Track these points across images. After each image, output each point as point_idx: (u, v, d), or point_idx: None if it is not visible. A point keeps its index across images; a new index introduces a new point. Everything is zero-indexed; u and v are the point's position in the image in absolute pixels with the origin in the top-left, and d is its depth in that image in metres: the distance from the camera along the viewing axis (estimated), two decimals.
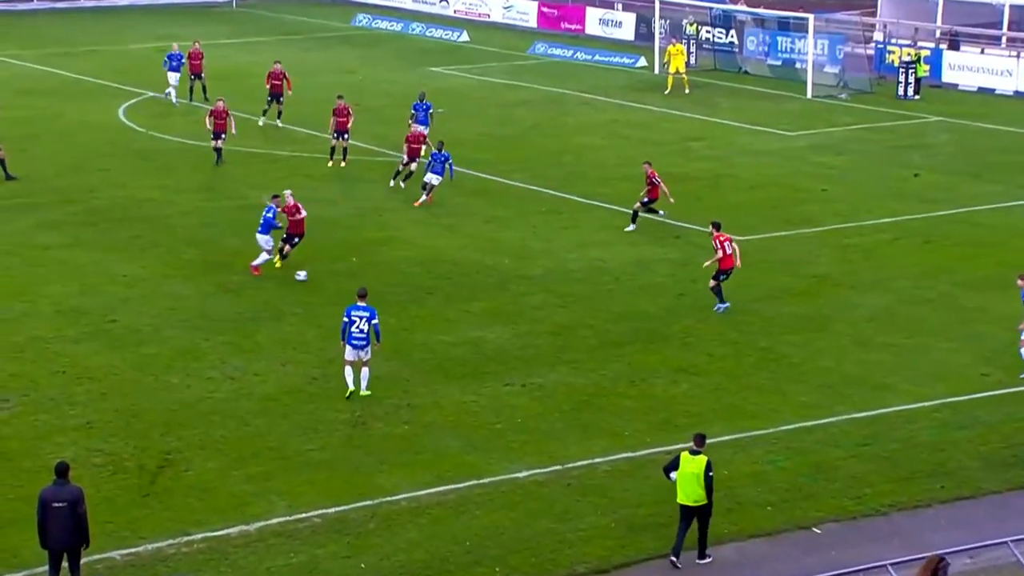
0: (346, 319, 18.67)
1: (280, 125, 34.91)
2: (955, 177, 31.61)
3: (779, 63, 44.77)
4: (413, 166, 28.91)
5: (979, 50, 43.86)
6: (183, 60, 37.61)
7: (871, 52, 44.30)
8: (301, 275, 23.22)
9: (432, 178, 28.19)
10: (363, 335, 18.56)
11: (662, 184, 26.38)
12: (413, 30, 52.67)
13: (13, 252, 25.16)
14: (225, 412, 18.38)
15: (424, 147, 29.33)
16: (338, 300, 21.04)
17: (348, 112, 31.29)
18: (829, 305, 22.83)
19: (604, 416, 18.44)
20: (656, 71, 44.08)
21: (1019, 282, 20.24)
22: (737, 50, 45.77)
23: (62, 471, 13.77)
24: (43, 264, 24.52)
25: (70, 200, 28.58)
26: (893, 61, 42.97)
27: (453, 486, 16.35)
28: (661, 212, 26.82)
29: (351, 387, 18.80)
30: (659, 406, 18.79)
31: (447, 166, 28.19)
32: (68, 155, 32.43)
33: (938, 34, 45.34)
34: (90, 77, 42.13)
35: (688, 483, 14.70)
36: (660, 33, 45.39)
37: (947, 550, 14.15)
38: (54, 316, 21.84)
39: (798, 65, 43.47)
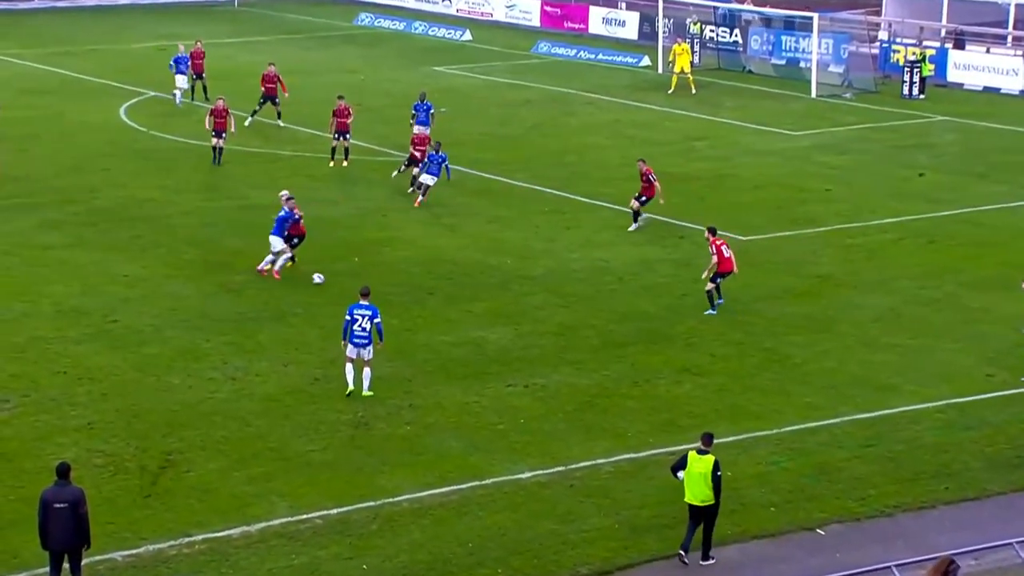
0: (348, 317, 18.65)
1: (282, 125, 34.87)
2: (960, 177, 31.53)
3: (783, 62, 44.69)
4: (415, 170, 28.74)
5: (984, 49, 43.76)
6: (189, 62, 37.51)
7: (876, 51, 44.21)
8: (318, 278, 23.09)
9: (427, 179, 28.10)
10: (365, 333, 18.53)
11: (657, 183, 26.24)
12: (415, 29, 52.62)
13: (14, 252, 25.13)
14: (226, 413, 18.33)
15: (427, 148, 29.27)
16: (340, 300, 20.97)
17: (349, 112, 31.23)
18: (833, 305, 22.77)
19: (607, 417, 18.39)
20: (660, 70, 44.02)
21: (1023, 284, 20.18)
22: (741, 49, 45.68)
23: (63, 472, 13.75)
24: (44, 264, 24.48)
25: (71, 200, 28.54)
26: (898, 60, 42.87)
27: (455, 487, 16.32)
28: (635, 226, 26.43)
29: (350, 386, 18.76)
30: (662, 407, 18.74)
31: (444, 167, 28.11)
32: (69, 155, 32.39)
33: (943, 33, 45.25)
34: (91, 76, 42.11)
35: (695, 483, 14.67)
36: (663, 32, 45.31)
37: (952, 551, 14.12)
38: (55, 316, 21.80)
39: (802, 64, 43.38)
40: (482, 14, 55.02)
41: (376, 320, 18.57)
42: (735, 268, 22.25)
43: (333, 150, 31.43)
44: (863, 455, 17.36)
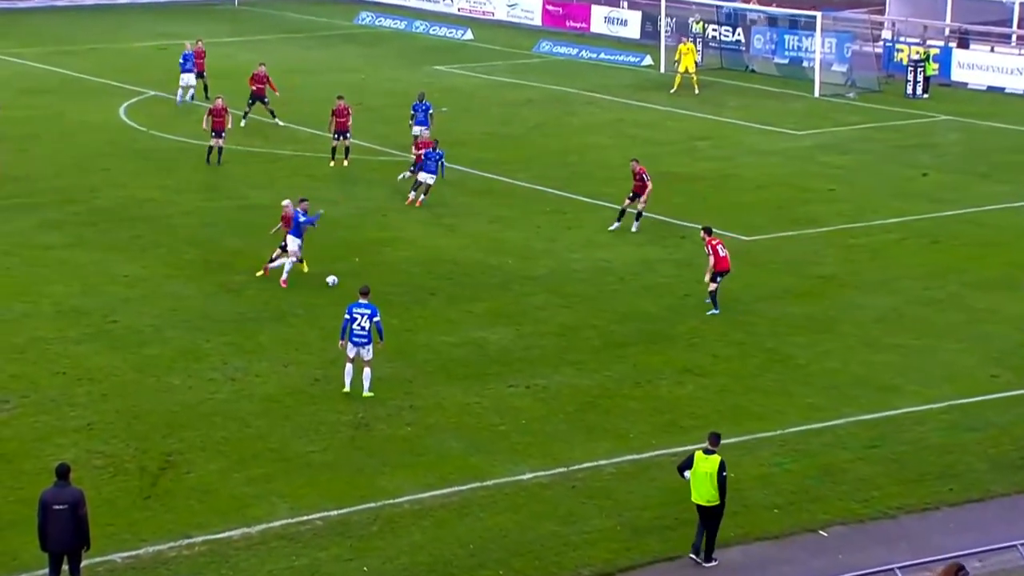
0: (347, 316, 18.62)
1: (280, 123, 34.74)
2: (964, 177, 31.45)
3: (786, 62, 44.60)
4: (421, 175, 28.56)
5: (989, 48, 43.66)
6: (194, 60, 37.29)
7: (879, 51, 44.11)
8: (331, 280, 22.96)
9: (427, 178, 28.00)
10: (364, 332, 18.48)
11: (649, 183, 26.06)
12: (416, 28, 52.55)
13: (13, 252, 25.06)
14: (226, 413, 18.28)
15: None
16: (340, 301, 20.87)
17: (348, 112, 31.14)
18: (835, 306, 22.69)
19: (609, 418, 18.33)
20: (662, 70, 43.93)
21: None
22: (744, 48, 45.60)
23: (63, 473, 13.70)
24: (44, 264, 24.42)
25: (71, 200, 28.48)
26: (902, 60, 42.76)
27: (456, 488, 16.26)
28: (616, 225, 26.26)
29: (347, 387, 18.72)
30: (664, 407, 18.68)
31: (440, 164, 28.02)
32: (69, 155, 32.32)
33: (947, 32, 45.14)
34: (91, 76, 42.04)
35: (701, 483, 14.64)
36: (666, 32, 45.22)
37: (956, 553, 14.12)
38: (55, 316, 21.74)
39: (805, 64, 43.30)
40: (483, 13, 54.94)
41: (376, 319, 18.52)
42: (730, 267, 22.16)
43: (333, 150, 31.35)
44: (866, 456, 17.30)
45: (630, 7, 51.24)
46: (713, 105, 38.97)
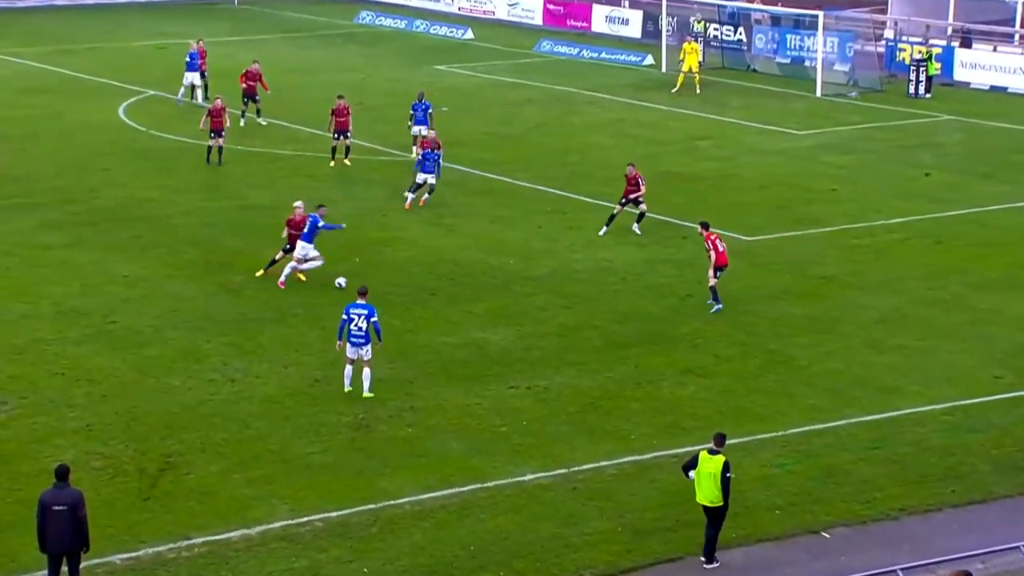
0: (345, 316, 18.60)
1: (263, 123, 34.45)
2: (966, 177, 31.38)
3: (788, 61, 44.53)
4: (420, 176, 28.46)
5: (991, 48, 43.54)
6: (199, 59, 37.03)
7: (882, 50, 44.03)
8: (340, 282, 22.86)
9: (428, 178, 27.90)
10: (362, 333, 18.44)
11: (643, 187, 25.90)
12: (417, 27, 52.48)
13: (13, 252, 25.01)
14: (226, 415, 18.23)
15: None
16: (341, 301, 20.78)
17: (348, 111, 31.06)
18: (838, 306, 22.63)
19: (610, 419, 18.27)
20: (663, 69, 43.86)
21: None
22: (745, 48, 45.51)
23: (62, 474, 13.66)
24: (44, 264, 24.37)
25: (71, 200, 28.43)
26: (904, 59, 42.67)
27: (457, 489, 16.22)
28: (604, 230, 26.15)
29: (347, 387, 18.69)
30: (666, 408, 18.62)
31: (437, 164, 27.93)
32: (69, 154, 32.27)
33: (950, 31, 45.04)
34: (90, 75, 41.98)
35: (705, 483, 14.63)
36: (667, 31, 45.15)
37: (959, 555, 14.11)
38: (54, 317, 21.68)
39: (807, 63, 43.23)
40: (484, 12, 54.88)
41: (373, 319, 18.47)
42: (728, 262, 22.15)
43: (333, 150, 31.28)
44: (869, 457, 17.24)
45: (631, 6, 51.15)
46: (715, 105, 38.90)
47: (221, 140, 31.04)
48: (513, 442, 17.54)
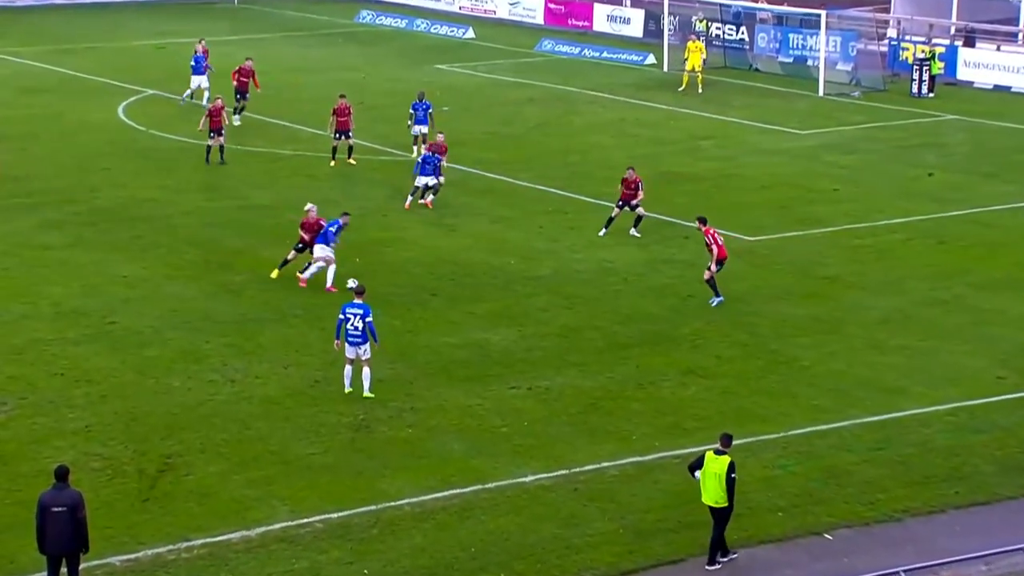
0: (341, 316, 18.57)
1: (237, 123, 34.09)
2: (970, 177, 31.29)
3: (790, 60, 44.44)
4: (441, 179, 28.28)
5: (995, 47, 43.45)
6: (205, 61, 36.77)
7: (884, 49, 43.92)
8: (352, 283, 22.74)
9: (430, 180, 27.79)
10: (358, 332, 18.41)
11: (642, 193, 25.76)
12: (417, 27, 52.42)
13: (13, 253, 24.94)
14: (226, 415, 18.17)
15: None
16: (341, 302, 20.70)
17: (349, 111, 30.97)
18: (840, 307, 22.55)
19: (611, 419, 18.21)
20: (665, 69, 43.79)
21: None
22: (748, 47, 45.43)
23: (62, 475, 13.61)
24: (43, 265, 24.30)
25: (71, 200, 28.37)
26: (907, 58, 42.58)
27: (458, 491, 16.16)
28: (604, 231, 26.04)
29: (348, 388, 18.65)
30: (667, 409, 18.56)
31: (436, 167, 27.79)
32: (69, 154, 32.22)
33: (953, 31, 44.94)
34: (90, 75, 41.92)
35: (710, 483, 14.61)
36: (669, 30, 45.06)
37: (962, 557, 14.05)
38: (54, 317, 21.62)
39: (810, 62, 43.15)
40: (485, 11, 54.81)
41: (368, 319, 18.40)
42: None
43: (334, 150, 31.20)
44: (872, 458, 17.18)
45: (633, 5, 51.07)
46: (717, 104, 38.82)
47: (221, 139, 30.99)
48: (514, 443, 17.48)
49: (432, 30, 51.80)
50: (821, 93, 40.42)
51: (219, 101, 31.31)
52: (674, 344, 20.83)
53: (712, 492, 14.56)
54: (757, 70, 44.02)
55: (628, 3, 51.55)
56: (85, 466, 16.41)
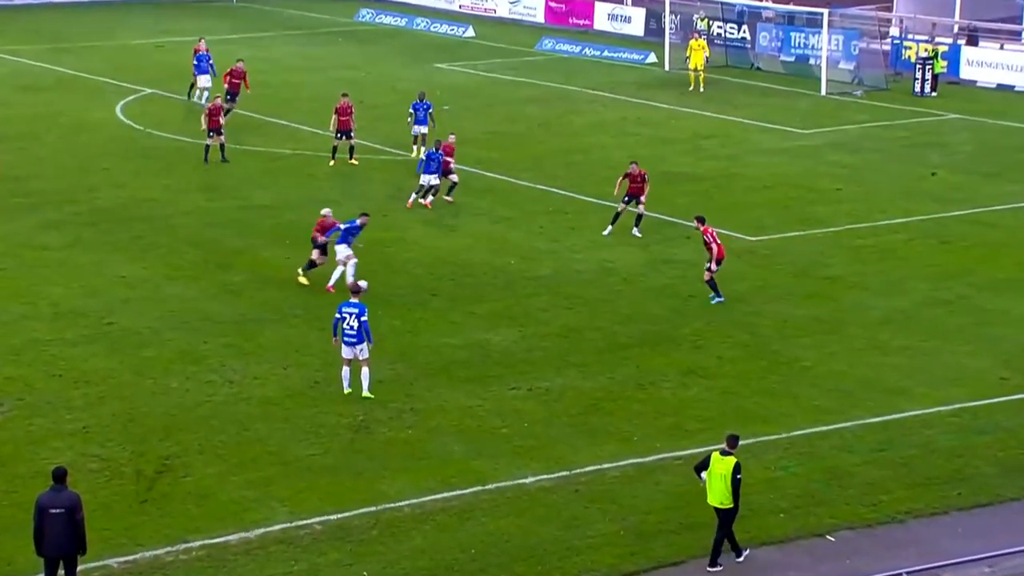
0: (337, 315, 18.53)
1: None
2: (973, 176, 31.21)
3: (792, 59, 44.35)
4: (454, 177, 28.20)
5: (998, 46, 43.36)
6: (210, 60, 36.63)
7: (887, 48, 43.85)
8: (362, 284, 22.60)
9: (433, 179, 27.71)
10: (353, 331, 18.37)
11: (647, 187, 25.71)
12: (417, 25, 52.35)
13: (11, 253, 24.88)
14: (225, 416, 18.11)
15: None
16: (341, 302, 20.69)
17: (351, 110, 30.88)
18: (842, 307, 22.49)
19: (612, 420, 18.15)
20: (666, 68, 43.69)
21: None
22: (749, 46, 45.34)
23: (59, 476, 13.56)
24: (42, 265, 24.24)
25: (70, 200, 28.31)
26: (910, 57, 42.51)
27: (458, 492, 16.11)
28: (609, 229, 25.96)
29: (347, 388, 18.61)
30: (669, 410, 18.50)
31: (439, 165, 27.72)
32: (68, 154, 32.17)
33: (956, 29, 44.85)
34: (88, 73, 41.84)
35: (716, 484, 14.60)
36: (670, 29, 44.97)
37: (965, 559, 14.02)
38: (53, 318, 21.56)
39: (812, 61, 43.05)
40: (485, 10, 54.74)
41: (363, 318, 18.34)
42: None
43: (334, 149, 31.12)
44: (874, 460, 17.12)
45: (634, 4, 51.00)
46: (718, 103, 38.74)
47: (222, 138, 30.94)
48: (515, 444, 17.43)
49: (432, 28, 51.73)
50: (823, 92, 40.33)
51: (218, 100, 31.34)
52: (675, 345, 20.75)
53: (718, 493, 14.54)
54: (759, 69, 43.94)
55: (629, 2, 51.47)
56: (83, 467, 16.36)
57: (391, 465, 16.79)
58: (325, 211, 23.41)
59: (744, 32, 45.64)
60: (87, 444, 17.19)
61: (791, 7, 45.75)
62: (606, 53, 46.42)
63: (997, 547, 14.56)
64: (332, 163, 31.05)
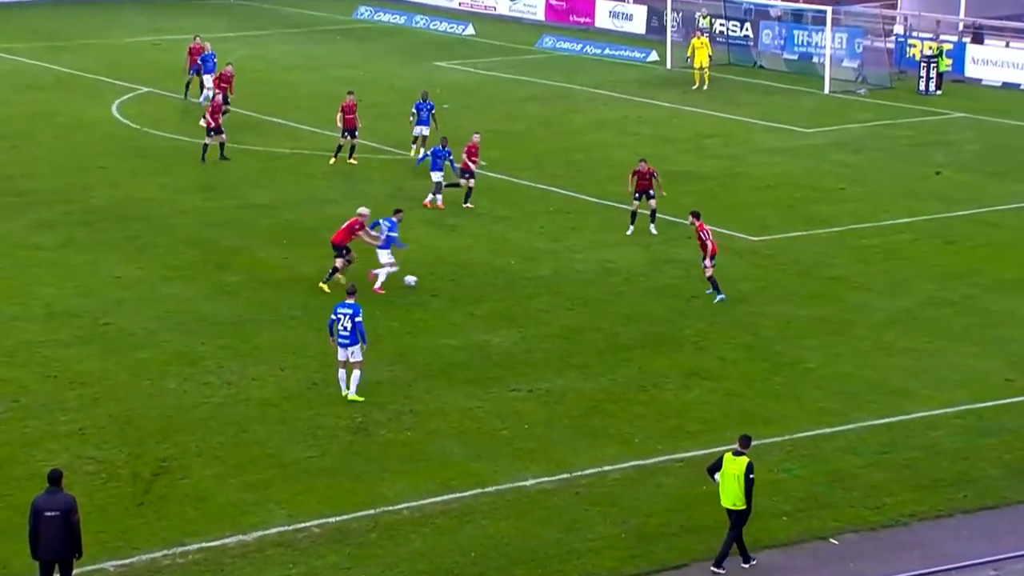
0: (332, 316, 18.43)
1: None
2: (978, 176, 31.09)
3: (795, 57, 44.21)
4: (471, 181, 28.02)
5: (1004, 43, 43.19)
6: (215, 60, 36.50)
7: (891, 46, 43.65)
8: (410, 280, 22.45)
9: (438, 176, 27.58)
10: (347, 333, 18.27)
11: (657, 180, 25.59)
12: (417, 23, 52.23)
13: (5, 252, 24.77)
14: (222, 418, 18.00)
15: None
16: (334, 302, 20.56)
17: (355, 109, 30.73)
18: (846, 308, 22.37)
19: (613, 422, 18.05)
20: (668, 66, 43.55)
21: None
22: (752, 44, 45.18)
23: (55, 479, 13.50)
24: (36, 265, 24.13)
25: (66, 199, 28.19)
26: (914, 55, 42.34)
27: (457, 495, 16.03)
28: (631, 229, 25.73)
29: (344, 390, 18.53)
30: (670, 412, 18.39)
31: (448, 162, 27.62)
32: (64, 153, 32.07)
33: (961, 27, 44.66)
34: (84, 72, 41.71)
35: (728, 485, 14.53)
36: (672, 27, 44.81)
37: (970, 562, 13.96)
38: (46, 319, 21.44)
39: (815, 59, 42.92)
40: (485, 8, 54.61)
41: (357, 319, 18.21)
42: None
43: (338, 147, 30.96)
44: (878, 462, 17.03)
45: (635, 1, 50.84)
46: (721, 102, 38.61)
47: (222, 136, 30.81)
48: (515, 446, 17.33)
49: (431, 26, 51.60)
50: (827, 91, 40.17)
51: (218, 97, 31.21)
52: (677, 346, 20.63)
53: (730, 494, 14.47)
54: (762, 67, 43.79)
55: None
56: (79, 470, 16.27)
57: (390, 467, 16.69)
58: (363, 210, 22.98)
59: (747, 30, 45.49)
60: (83, 446, 17.09)
61: (796, 4, 45.58)
62: (607, 51, 46.28)
63: (1003, 550, 14.55)
64: (332, 161, 30.91)
